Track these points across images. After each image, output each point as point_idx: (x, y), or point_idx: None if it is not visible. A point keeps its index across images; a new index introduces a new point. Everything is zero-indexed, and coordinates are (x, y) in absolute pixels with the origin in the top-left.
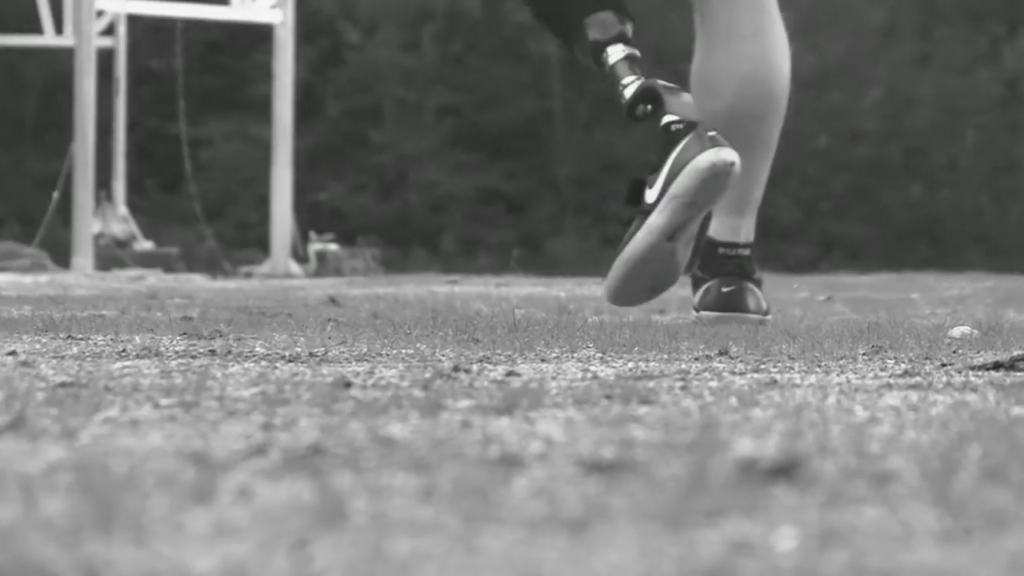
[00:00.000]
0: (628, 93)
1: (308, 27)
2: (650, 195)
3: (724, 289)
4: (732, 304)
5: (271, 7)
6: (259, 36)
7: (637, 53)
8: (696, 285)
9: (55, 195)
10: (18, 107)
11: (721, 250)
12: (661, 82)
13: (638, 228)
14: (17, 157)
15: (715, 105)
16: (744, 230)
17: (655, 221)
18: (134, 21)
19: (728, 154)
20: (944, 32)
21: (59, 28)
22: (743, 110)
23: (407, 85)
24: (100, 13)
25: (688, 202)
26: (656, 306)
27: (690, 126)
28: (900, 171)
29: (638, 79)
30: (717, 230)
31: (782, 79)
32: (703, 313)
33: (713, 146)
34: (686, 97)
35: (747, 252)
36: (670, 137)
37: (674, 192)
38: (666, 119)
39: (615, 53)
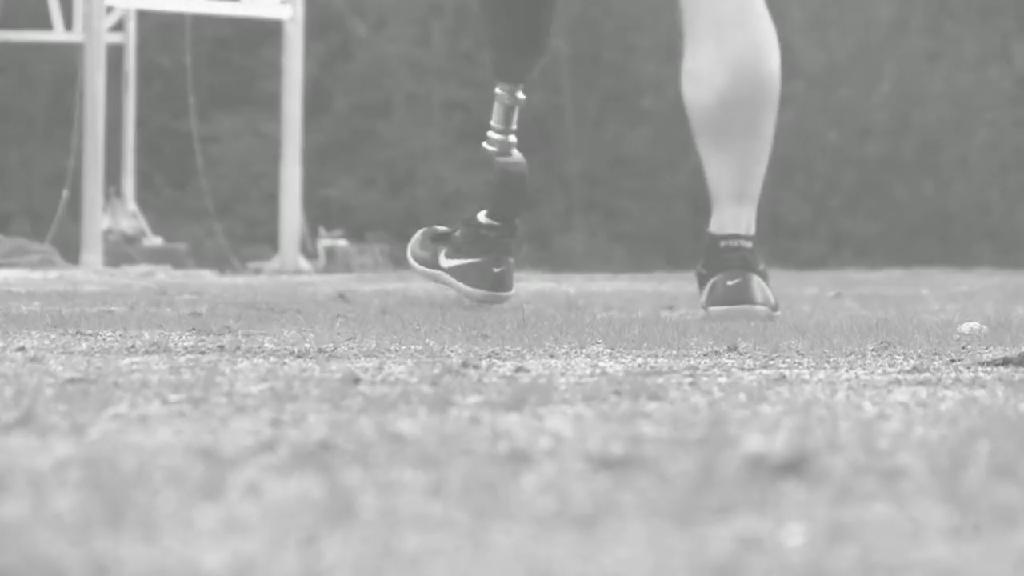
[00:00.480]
0: (491, 136)
1: (317, 22)
2: (444, 260)
3: (730, 283)
4: (739, 297)
5: (280, 3)
6: (268, 32)
7: (521, 100)
8: (701, 282)
9: (65, 192)
10: (27, 103)
11: (723, 243)
12: (504, 162)
13: (434, 257)
14: (26, 153)
15: (706, 97)
16: (744, 221)
17: (446, 280)
18: (143, 17)
19: (499, 298)
20: (954, 28)
21: (68, 24)
22: (735, 99)
23: (416, 80)
24: (110, 9)
25: (467, 299)
26: (665, 302)
27: (495, 243)
28: (910, 167)
29: (506, 133)
30: (717, 224)
31: (772, 67)
32: (712, 309)
33: (493, 288)
34: (516, 193)
35: (749, 244)
36: (476, 237)
37: (457, 288)
38: (481, 216)
39: (504, 92)
